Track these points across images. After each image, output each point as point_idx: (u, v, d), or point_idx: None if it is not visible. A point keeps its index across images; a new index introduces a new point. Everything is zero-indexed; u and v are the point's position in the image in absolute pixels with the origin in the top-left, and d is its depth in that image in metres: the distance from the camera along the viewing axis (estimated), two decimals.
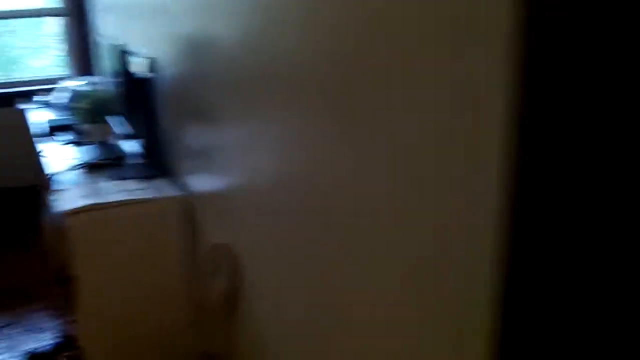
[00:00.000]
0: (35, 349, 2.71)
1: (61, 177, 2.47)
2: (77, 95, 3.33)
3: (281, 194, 1.47)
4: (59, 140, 3.04)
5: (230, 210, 1.90)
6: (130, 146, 2.82)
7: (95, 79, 3.93)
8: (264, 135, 1.53)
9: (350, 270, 1.19)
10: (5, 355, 2.77)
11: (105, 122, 2.94)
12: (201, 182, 2.19)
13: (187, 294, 2.40)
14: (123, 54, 2.41)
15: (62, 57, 4.37)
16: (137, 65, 2.51)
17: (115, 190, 2.30)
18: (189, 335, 2.42)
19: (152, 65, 2.61)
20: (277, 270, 1.58)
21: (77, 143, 2.96)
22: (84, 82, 3.68)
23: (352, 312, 1.21)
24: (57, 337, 2.87)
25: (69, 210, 2.15)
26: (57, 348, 2.73)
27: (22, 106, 3.83)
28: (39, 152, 2.88)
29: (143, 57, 2.58)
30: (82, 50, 4.31)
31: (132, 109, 2.50)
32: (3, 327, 2.97)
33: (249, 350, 1.92)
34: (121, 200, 2.22)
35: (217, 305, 1.91)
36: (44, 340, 2.87)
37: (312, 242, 1.34)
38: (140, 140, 2.70)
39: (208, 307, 1.97)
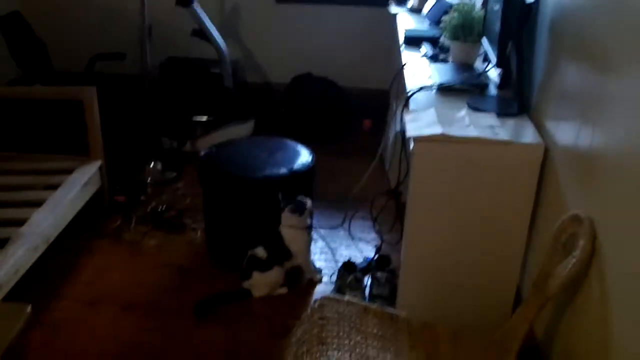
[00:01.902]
0: (350, 258, 2.72)
1: (416, 95, 2.30)
2: (447, 7, 3.12)
3: None
4: (418, 52, 2.89)
5: (602, 177, 1.54)
6: (491, 74, 2.54)
7: None
8: None
9: None
10: (326, 256, 2.86)
11: (472, 42, 2.67)
12: (567, 133, 1.83)
13: (525, 260, 2.11)
14: None
15: None
16: None
17: (469, 122, 2.06)
18: (509, 306, 2.16)
19: None
20: None
21: (437, 59, 2.76)
22: None
23: None
24: (374, 250, 2.85)
25: (418, 135, 1.98)
26: (369, 264, 2.70)
27: (394, 9, 3.75)
28: (402, 62, 2.75)
29: None
30: None
31: (502, 34, 2.19)
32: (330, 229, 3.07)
33: (586, 348, 1.59)
34: (476, 137, 1.96)
35: (557, 286, 1.59)
36: (359, 250, 2.89)
37: None
38: (501, 70, 2.41)
39: (542, 285, 1.67)
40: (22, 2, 3.98)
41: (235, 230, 2.72)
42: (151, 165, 3.50)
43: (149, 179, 3.43)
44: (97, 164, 2.99)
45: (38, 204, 2.62)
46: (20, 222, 2.48)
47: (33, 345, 2.22)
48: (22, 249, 2.32)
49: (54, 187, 2.77)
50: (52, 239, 2.54)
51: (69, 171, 2.90)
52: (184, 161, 3.64)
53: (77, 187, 2.78)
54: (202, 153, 2.79)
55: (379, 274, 2.56)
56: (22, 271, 2.31)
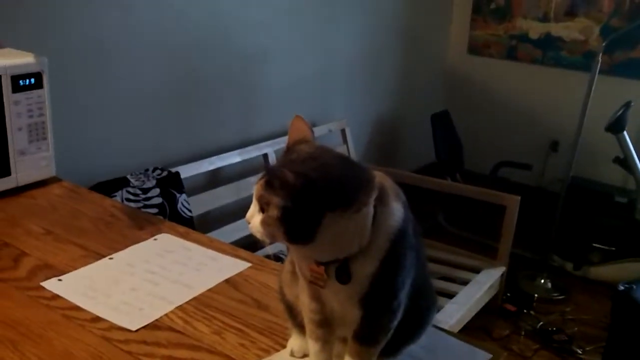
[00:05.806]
0: None
1: None
2: None
3: None
4: None
5: None
6: None
7: None
8: None
9: None
10: None
11: None
12: None
13: None
14: None
15: None
16: None
17: None
18: None
19: None
20: None
21: None
22: None
23: None
24: None
25: None
26: None
27: None
28: None
29: None
30: None
31: None
32: None
33: None
34: None
35: None
36: None
37: None
38: None
39: None
40: (452, 104, 4.34)
41: None
42: (541, 281, 3.45)
43: (536, 294, 3.37)
44: (502, 269, 3.04)
45: (449, 295, 2.76)
46: None
47: None
48: None
49: (461, 281, 2.90)
50: (456, 331, 2.63)
51: (476, 270, 3.01)
52: (573, 284, 3.50)
53: (484, 288, 2.86)
54: (621, 287, 2.64)
55: None
56: None
